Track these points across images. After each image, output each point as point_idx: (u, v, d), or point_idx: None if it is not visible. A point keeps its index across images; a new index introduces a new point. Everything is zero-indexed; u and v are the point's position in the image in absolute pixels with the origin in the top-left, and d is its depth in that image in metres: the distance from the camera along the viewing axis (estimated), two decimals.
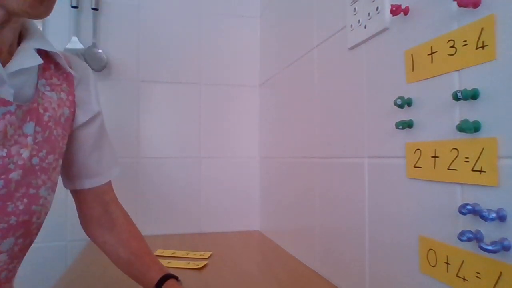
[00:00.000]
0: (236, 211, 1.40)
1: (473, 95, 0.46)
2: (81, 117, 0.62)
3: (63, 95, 0.59)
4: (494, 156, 0.43)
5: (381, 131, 0.66)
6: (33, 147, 0.52)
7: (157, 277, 0.64)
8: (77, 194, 0.68)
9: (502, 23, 0.43)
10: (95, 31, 1.27)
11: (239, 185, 1.41)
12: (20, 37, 0.53)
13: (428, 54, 0.54)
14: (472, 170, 0.46)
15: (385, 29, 0.64)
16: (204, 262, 0.98)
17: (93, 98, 0.65)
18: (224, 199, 1.39)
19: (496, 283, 0.43)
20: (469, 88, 0.46)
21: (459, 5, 0.46)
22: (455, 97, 0.47)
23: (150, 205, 1.32)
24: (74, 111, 0.61)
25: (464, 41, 0.47)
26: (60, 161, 0.59)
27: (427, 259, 0.54)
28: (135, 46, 1.32)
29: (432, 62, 0.53)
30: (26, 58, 0.51)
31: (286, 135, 1.13)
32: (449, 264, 0.50)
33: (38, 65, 0.55)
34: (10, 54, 0.50)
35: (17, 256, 0.54)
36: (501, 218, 0.42)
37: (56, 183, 0.58)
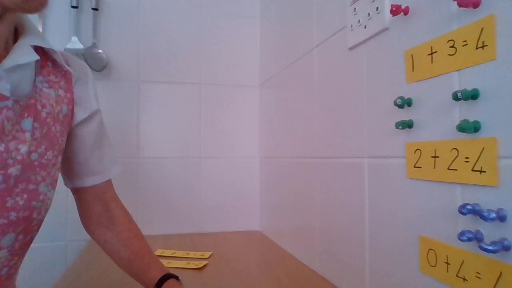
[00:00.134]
0: (236, 211, 1.40)
1: (473, 95, 0.46)
2: (80, 115, 0.62)
3: (61, 92, 0.59)
4: (494, 156, 0.43)
5: (381, 131, 0.66)
6: (31, 143, 0.52)
7: (157, 276, 0.65)
8: (78, 193, 0.68)
9: (502, 23, 0.43)
10: (95, 31, 1.27)
11: (239, 185, 1.41)
12: (17, 35, 0.53)
13: (428, 54, 0.54)
14: (472, 170, 0.46)
15: (385, 29, 0.64)
16: (204, 262, 0.98)
17: (91, 95, 0.65)
18: (224, 199, 1.39)
19: (496, 283, 0.43)
20: (469, 88, 0.46)
21: (459, 5, 0.46)
22: (455, 97, 0.47)
23: (150, 205, 1.32)
24: (73, 108, 0.61)
25: (464, 41, 0.47)
26: (60, 158, 0.59)
27: (427, 259, 0.54)
28: (135, 46, 1.32)
29: (432, 62, 0.53)
30: (22, 54, 0.51)
31: (286, 135, 1.14)
32: (449, 264, 0.50)
33: (36, 62, 0.55)
34: (7, 50, 0.50)
35: (17, 252, 0.54)
36: (501, 218, 0.42)
37: (56, 180, 0.59)
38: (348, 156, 0.77)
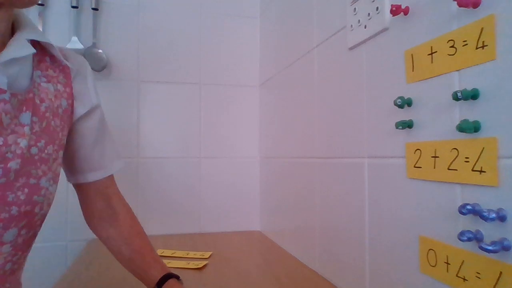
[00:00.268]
0: (236, 211, 1.40)
1: (473, 95, 0.46)
2: (80, 110, 0.62)
3: (60, 86, 0.59)
4: (494, 156, 0.43)
5: (381, 131, 0.66)
6: (30, 137, 0.52)
7: (158, 276, 0.65)
8: (80, 188, 0.68)
9: (502, 23, 0.43)
10: (95, 31, 1.27)
11: (239, 185, 1.41)
12: (13, 30, 0.53)
13: (428, 54, 0.54)
14: (472, 170, 0.46)
15: (385, 29, 0.64)
16: (204, 262, 0.98)
17: (91, 90, 0.65)
18: (224, 199, 1.39)
19: (496, 283, 0.43)
20: (469, 88, 0.46)
21: (459, 5, 0.46)
22: (455, 97, 0.47)
23: (150, 205, 1.32)
24: (72, 103, 0.61)
25: (464, 41, 0.47)
26: (61, 153, 0.59)
27: (427, 259, 0.54)
28: (135, 46, 1.32)
29: (432, 62, 0.53)
30: (19, 48, 0.51)
31: (286, 135, 1.14)
32: (449, 264, 0.50)
33: (33, 57, 0.55)
34: (3, 45, 0.51)
35: (21, 248, 0.54)
36: (501, 218, 0.42)
37: (58, 175, 0.58)
38: (348, 156, 0.77)
